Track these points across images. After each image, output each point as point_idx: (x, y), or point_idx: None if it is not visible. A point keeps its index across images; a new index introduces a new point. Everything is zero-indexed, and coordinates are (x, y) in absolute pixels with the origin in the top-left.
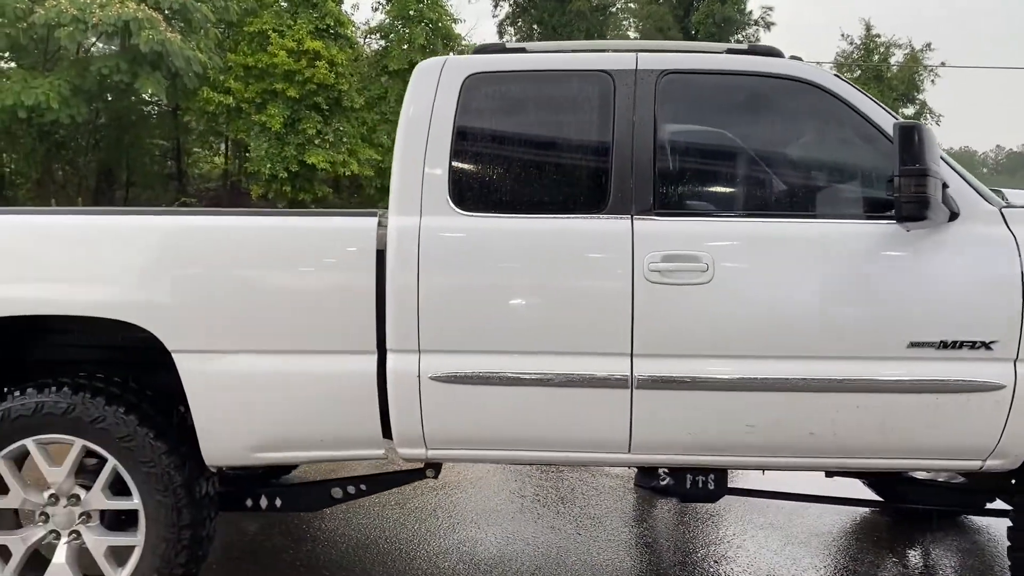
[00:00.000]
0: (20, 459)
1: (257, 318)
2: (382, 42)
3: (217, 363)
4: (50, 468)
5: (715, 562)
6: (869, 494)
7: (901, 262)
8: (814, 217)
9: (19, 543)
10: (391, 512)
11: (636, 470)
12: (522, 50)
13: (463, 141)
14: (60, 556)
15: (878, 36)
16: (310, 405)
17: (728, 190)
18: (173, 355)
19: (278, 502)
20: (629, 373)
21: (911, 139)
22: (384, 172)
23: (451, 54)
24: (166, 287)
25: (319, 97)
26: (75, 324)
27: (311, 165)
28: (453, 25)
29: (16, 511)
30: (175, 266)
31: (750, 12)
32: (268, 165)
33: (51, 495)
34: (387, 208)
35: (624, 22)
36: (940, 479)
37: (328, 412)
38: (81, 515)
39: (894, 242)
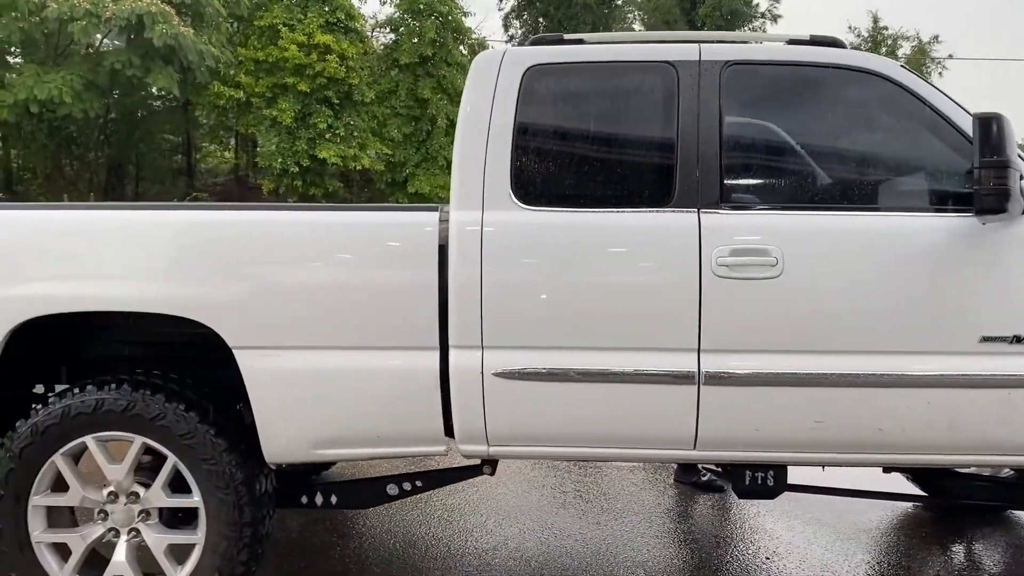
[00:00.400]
0: (76, 457)
1: (319, 314)
2: (391, 36)
3: (278, 360)
4: (110, 465)
5: (767, 558)
6: (913, 489)
7: (974, 255)
8: (884, 210)
9: (79, 541)
10: (434, 508)
11: (676, 466)
12: (580, 41)
13: (524, 134)
14: (120, 554)
15: (885, 28)
16: (372, 402)
17: (795, 183)
18: (234, 352)
19: (333, 499)
20: (696, 369)
21: (990, 130)
22: (394, 166)
23: (461, 48)
24: (227, 283)
25: (329, 91)
26: (123, 321)
27: (322, 160)
28: (463, 18)
29: (71, 509)
30: (236, 262)
31: (757, 4)
32: (279, 160)
33: (110, 493)
34: (397, 202)
35: (629, 15)
36: (986, 473)
37: (390, 409)
38: (140, 513)
39: (967, 235)
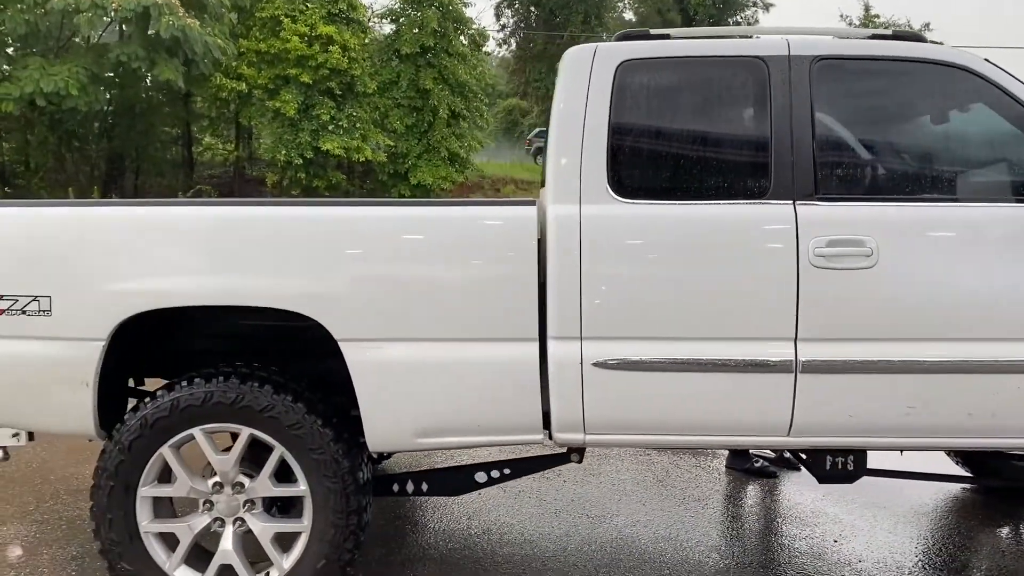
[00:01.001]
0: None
1: (421, 307)
2: (392, 26)
3: (383, 352)
4: (217, 456)
5: (835, 541)
6: (959, 470)
7: None
8: (972, 200)
9: (187, 531)
10: (501, 497)
11: (728, 452)
12: (666, 36)
13: (619, 128)
14: (227, 543)
15: (877, 16)
16: (473, 392)
17: (885, 175)
18: (340, 344)
19: (424, 487)
20: (793, 357)
21: None
22: (396, 157)
23: (461, 38)
24: (334, 278)
25: (332, 82)
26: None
27: (325, 151)
28: (464, 8)
29: (171, 500)
30: (342, 257)
31: None
32: (283, 152)
33: (215, 483)
34: (400, 194)
35: (620, 3)
36: None
37: (491, 399)
38: (246, 503)
39: None
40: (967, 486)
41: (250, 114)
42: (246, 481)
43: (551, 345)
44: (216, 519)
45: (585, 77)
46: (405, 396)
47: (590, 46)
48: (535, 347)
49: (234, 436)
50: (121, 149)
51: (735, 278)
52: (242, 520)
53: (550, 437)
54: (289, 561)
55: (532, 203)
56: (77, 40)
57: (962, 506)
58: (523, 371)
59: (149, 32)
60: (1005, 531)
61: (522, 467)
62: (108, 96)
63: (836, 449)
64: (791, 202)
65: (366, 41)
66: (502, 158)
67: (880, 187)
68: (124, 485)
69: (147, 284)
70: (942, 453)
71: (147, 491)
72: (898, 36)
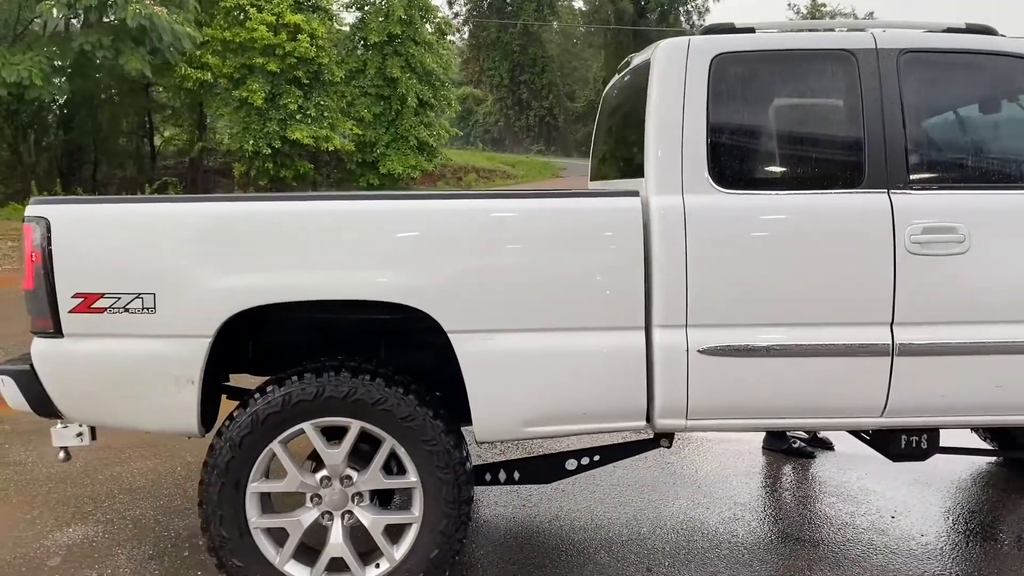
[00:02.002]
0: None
1: (529, 297)
2: (357, 13)
3: (492, 342)
4: (328, 450)
5: (892, 517)
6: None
7: None
8: None
9: (297, 526)
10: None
11: (765, 433)
12: (751, 30)
13: (717, 120)
14: (337, 536)
15: (823, 6)
16: (580, 380)
17: (974, 163)
18: (450, 336)
19: (516, 475)
20: (890, 341)
21: None
22: (364, 146)
23: (427, 26)
24: (444, 271)
25: (299, 71)
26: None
27: (293, 141)
28: None
29: (268, 495)
30: (452, 249)
31: None
32: (251, 141)
33: (323, 477)
34: (369, 183)
35: None
36: None
37: (598, 387)
38: (354, 495)
39: None
40: (993, 460)
41: (215, 104)
42: (354, 474)
43: (657, 333)
44: (325, 513)
45: (681, 71)
46: (515, 386)
47: (682, 40)
48: (642, 335)
49: (335, 433)
50: (80, 141)
51: (834, 265)
52: (350, 513)
53: (648, 422)
54: (400, 552)
55: (635, 194)
56: (35, 28)
57: (997, 479)
58: (630, 359)
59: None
60: None
61: (611, 454)
62: (70, 86)
63: (923, 428)
64: (885, 191)
65: (333, 29)
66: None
67: (968, 175)
68: (234, 482)
69: (256, 281)
70: (967, 430)
71: (256, 487)
72: (971, 30)
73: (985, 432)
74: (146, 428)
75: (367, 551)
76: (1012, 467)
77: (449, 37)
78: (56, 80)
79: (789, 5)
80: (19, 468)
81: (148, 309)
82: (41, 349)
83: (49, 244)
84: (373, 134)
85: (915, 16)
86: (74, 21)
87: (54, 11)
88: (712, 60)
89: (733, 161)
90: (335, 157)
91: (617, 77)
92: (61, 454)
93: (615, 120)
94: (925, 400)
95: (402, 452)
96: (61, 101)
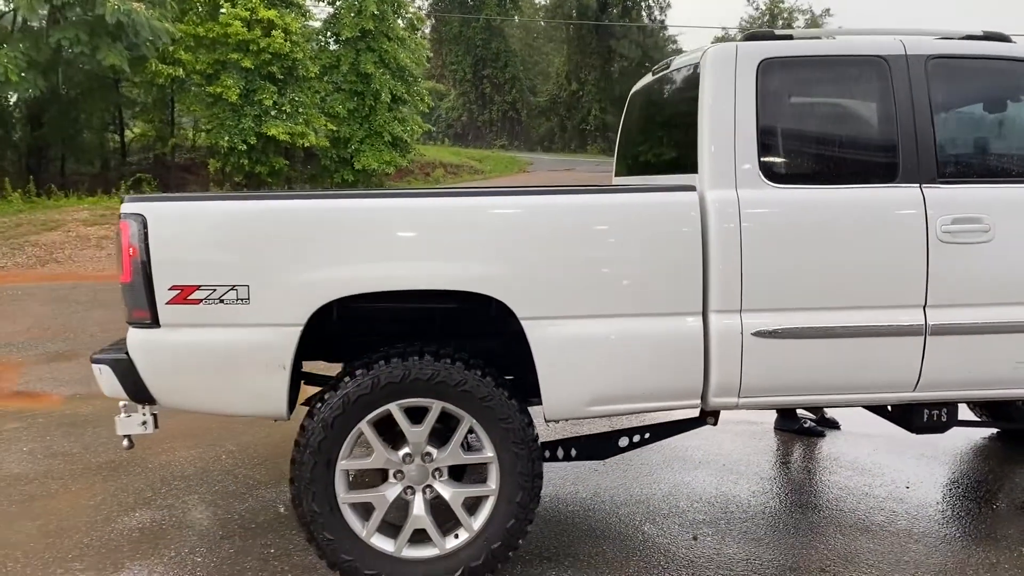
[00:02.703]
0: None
1: (595, 285)
2: (329, 8)
3: (562, 328)
4: (412, 429)
5: (907, 487)
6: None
7: None
8: None
9: (382, 500)
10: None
11: (776, 415)
12: (789, 37)
13: (765, 120)
14: (419, 508)
15: (782, 2)
16: (642, 362)
17: (997, 159)
18: (522, 322)
19: (573, 452)
20: (923, 322)
21: None
22: (339, 142)
23: (399, 21)
24: (519, 261)
25: (274, 67)
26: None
27: (268, 137)
28: None
29: (347, 472)
30: (525, 242)
31: None
32: (226, 138)
33: (406, 454)
34: (343, 180)
35: None
36: None
37: (657, 368)
38: (434, 471)
39: None
40: (987, 433)
41: (188, 100)
42: (433, 451)
43: (713, 318)
44: (407, 488)
45: (731, 75)
46: (581, 368)
47: (730, 46)
48: (699, 320)
49: (412, 414)
50: (48, 137)
51: (874, 253)
52: (431, 487)
53: (702, 401)
54: (478, 522)
55: (692, 188)
56: (4, 24)
57: (993, 451)
58: (689, 342)
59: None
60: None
61: (661, 431)
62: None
63: (944, 402)
64: (918, 185)
65: (306, 24)
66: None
67: (992, 170)
68: (326, 460)
69: (346, 272)
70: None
71: (345, 464)
72: (988, 37)
73: (980, 407)
74: (236, 412)
75: (444, 523)
76: (1005, 439)
77: (420, 32)
78: (31, 76)
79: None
80: (69, 458)
81: (242, 300)
82: (138, 339)
83: (146, 240)
84: (347, 130)
85: (870, 15)
86: (42, 13)
87: (26, 8)
88: (759, 64)
89: (781, 157)
90: (308, 153)
91: (651, 78)
92: (125, 442)
93: (651, 118)
94: (953, 375)
95: (479, 430)
96: (34, 96)
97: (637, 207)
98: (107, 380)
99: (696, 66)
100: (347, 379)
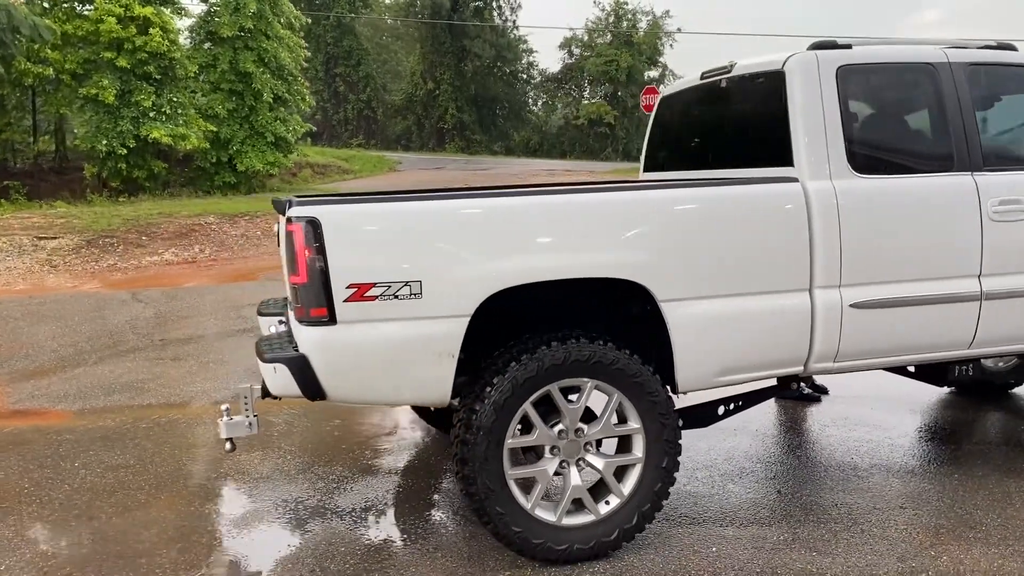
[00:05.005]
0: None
1: (721, 268)
2: (203, 6)
3: (694, 308)
4: (571, 407)
5: (920, 437)
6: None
7: None
8: None
9: (544, 474)
10: None
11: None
12: (849, 46)
13: (848, 119)
14: (575, 479)
15: (626, 3)
16: (761, 335)
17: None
18: (660, 304)
19: (680, 422)
20: (979, 289)
21: None
22: (220, 144)
23: (279, 21)
24: (661, 249)
25: (150, 66)
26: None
27: (146, 140)
28: None
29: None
30: (662, 232)
31: None
32: (103, 141)
33: (560, 430)
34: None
35: None
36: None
37: (773, 340)
38: (585, 444)
39: None
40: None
41: (56, 102)
42: (584, 427)
43: (818, 293)
44: (563, 461)
45: (816, 80)
46: (710, 343)
47: (810, 54)
48: (807, 295)
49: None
50: None
51: (941, 231)
52: (584, 460)
53: (804, 367)
54: (628, 488)
55: (795, 180)
56: None
57: (957, 402)
58: (799, 316)
59: None
60: (996, 415)
61: (751, 399)
62: None
63: (970, 359)
64: (970, 173)
65: (183, 22)
66: None
67: (1022, 159)
68: (497, 440)
69: (511, 264)
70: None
71: (512, 443)
72: (1000, 46)
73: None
74: (404, 401)
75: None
76: (959, 394)
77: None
78: None
79: (595, 2)
80: (131, 470)
81: (415, 295)
82: (314, 336)
83: (321, 241)
84: (228, 131)
85: (705, 16)
86: None
87: None
88: (837, 70)
89: (863, 151)
90: (186, 155)
91: (698, 82)
92: (227, 444)
93: (704, 117)
94: (1002, 334)
95: (627, 404)
96: None
97: (755, 197)
98: (281, 378)
99: (775, 73)
100: (513, 364)
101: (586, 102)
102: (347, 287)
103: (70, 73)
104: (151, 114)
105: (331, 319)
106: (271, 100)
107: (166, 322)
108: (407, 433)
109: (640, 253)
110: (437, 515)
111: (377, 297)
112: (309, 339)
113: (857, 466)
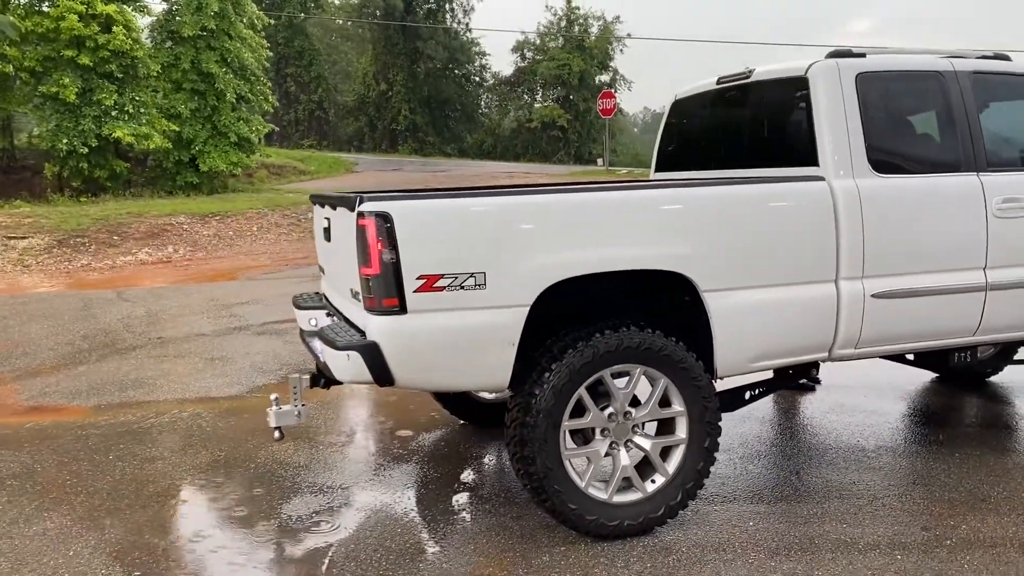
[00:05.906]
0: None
1: (757, 261)
2: (164, 5)
3: (733, 298)
4: (621, 391)
5: (917, 419)
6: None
7: None
8: None
9: (597, 455)
10: None
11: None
12: (863, 55)
13: (867, 122)
14: (624, 460)
15: (578, 8)
16: (792, 323)
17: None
18: (703, 294)
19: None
20: (984, 280)
21: None
22: (183, 143)
23: (242, 21)
24: (704, 243)
25: (112, 65)
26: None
27: (109, 139)
28: None
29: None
30: (705, 226)
31: None
32: (64, 140)
33: (610, 414)
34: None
35: None
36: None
37: (802, 327)
38: (633, 426)
39: None
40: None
41: (14, 99)
42: (632, 410)
43: (843, 284)
44: (612, 443)
45: (838, 85)
46: (748, 330)
47: (831, 62)
48: (833, 286)
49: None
50: None
51: (952, 227)
52: (631, 441)
53: (828, 354)
54: (672, 467)
55: (822, 179)
56: None
57: (940, 390)
58: (826, 305)
59: None
60: (979, 400)
61: (773, 385)
62: None
63: (967, 347)
64: (975, 173)
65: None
66: None
67: (1021, 161)
68: (555, 422)
69: (569, 257)
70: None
71: (568, 425)
72: (997, 57)
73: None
74: (466, 387)
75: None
76: (941, 382)
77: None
78: None
79: (547, 7)
80: (168, 462)
81: (480, 286)
82: (385, 325)
83: (393, 235)
84: (190, 131)
85: (653, 21)
86: None
87: None
88: (856, 77)
89: (881, 152)
90: (145, 154)
91: (715, 87)
92: (276, 433)
93: (719, 120)
94: (1004, 322)
95: (672, 388)
96: None
97: (788, 194)
98: (354, 365)
99: (798, 79)
100: (570, 351)
101: (539, 105)
102: (417, 278)
103: (28, 71)
104: (113, 113)
105: (402, 309)
106: (234, 100)
107: (159, 320)
108: (432, 424)
109: (685, 246)
110: (477, 498)
111: (445, 288)
112: (381, 328)
113: (864, 448)
